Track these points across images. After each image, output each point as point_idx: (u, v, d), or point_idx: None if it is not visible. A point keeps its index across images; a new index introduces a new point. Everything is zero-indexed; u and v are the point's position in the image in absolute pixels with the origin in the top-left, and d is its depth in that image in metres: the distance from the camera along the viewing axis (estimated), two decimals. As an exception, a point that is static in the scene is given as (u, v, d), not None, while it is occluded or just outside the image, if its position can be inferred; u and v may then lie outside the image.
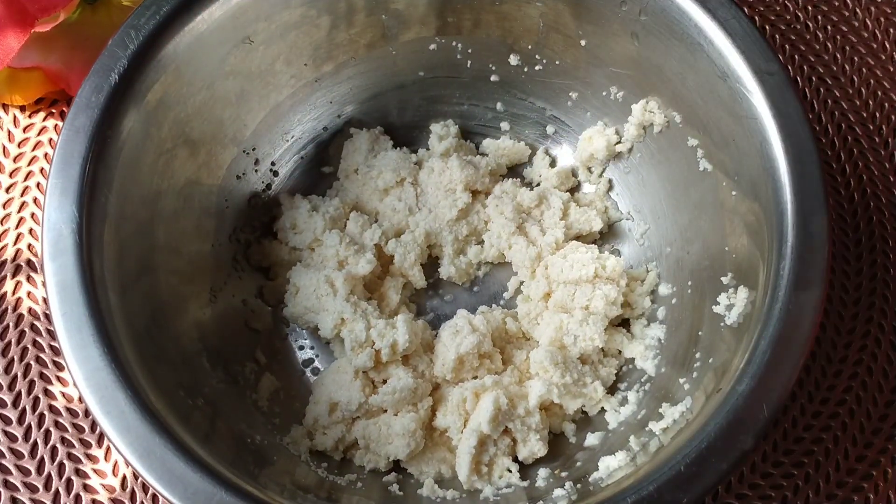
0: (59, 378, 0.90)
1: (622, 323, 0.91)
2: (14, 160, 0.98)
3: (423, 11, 0.89)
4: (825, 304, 0.81)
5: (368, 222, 0.92)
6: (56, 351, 0.90)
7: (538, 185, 0.96)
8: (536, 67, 0.92)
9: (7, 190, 0.97)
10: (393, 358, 0.84)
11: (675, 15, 0.80)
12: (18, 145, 0.99)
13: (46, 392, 0.89)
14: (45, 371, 0.90)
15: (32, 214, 0.96)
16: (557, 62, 0.91)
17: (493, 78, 0.94)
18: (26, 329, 0.91)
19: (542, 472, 0.81)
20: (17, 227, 0.95)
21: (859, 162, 0.98)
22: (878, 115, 1.00)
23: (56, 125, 0.99)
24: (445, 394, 0.86)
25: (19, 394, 0.89)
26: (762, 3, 1.05)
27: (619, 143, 0.93)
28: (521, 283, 0.92)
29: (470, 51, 0.92)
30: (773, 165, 0.75)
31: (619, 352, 0.89)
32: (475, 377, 0.86)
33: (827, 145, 0.99)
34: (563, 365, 0.84)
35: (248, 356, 0.89)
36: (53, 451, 0.87)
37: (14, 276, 0.93)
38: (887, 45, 1.03)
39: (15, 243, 0.95)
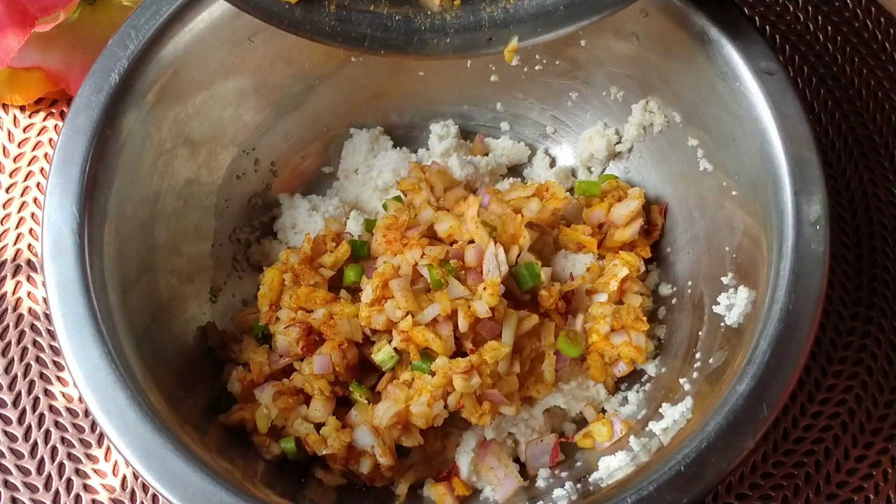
0: (59, 378, 0.90)
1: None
2: (14, 160, 0.98)
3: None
4: (825, 304, 0.81)
5: (368, 222, 0.93)
6: (56, 351, 0.90)
7: (538, 185, 0.96)
8: (536, 67, 0.92)
9: (7, 190, 0.97)
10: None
11: (675, 15, 0.80)
12: (18, 145, 0.99)
13: (46, 392, 0.89)
14: (45, 371, 0.90)
15: (32, 214, 0.96)
16: (557, 62, 0.91)
17: (493, 78, 0.94)
18: (26, 329, 0.91)
19: (543, 472, 0.81)
20: (17, 227, 0.95)
21: (859, 162, 0.98)
22: (878, 116, 1.00)
23: (56, 125, 0.99)
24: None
25: (19, 394, 0.89)
26: (762, 4, 1.05)
27: (619, 143, 0.93)
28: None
29: (470, 51, 0.92)
30: (773, 165, 0.75)
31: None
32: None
33: (827, 146, 0.99)
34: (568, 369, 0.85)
35: (248, 356, 0.89)
36: (53, 451, 0.87)
37: (14, 276, 0.93)
38: (887, 46, 1.03)
39: (15, 243, 0.95)
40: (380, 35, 0.75)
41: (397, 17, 0.75)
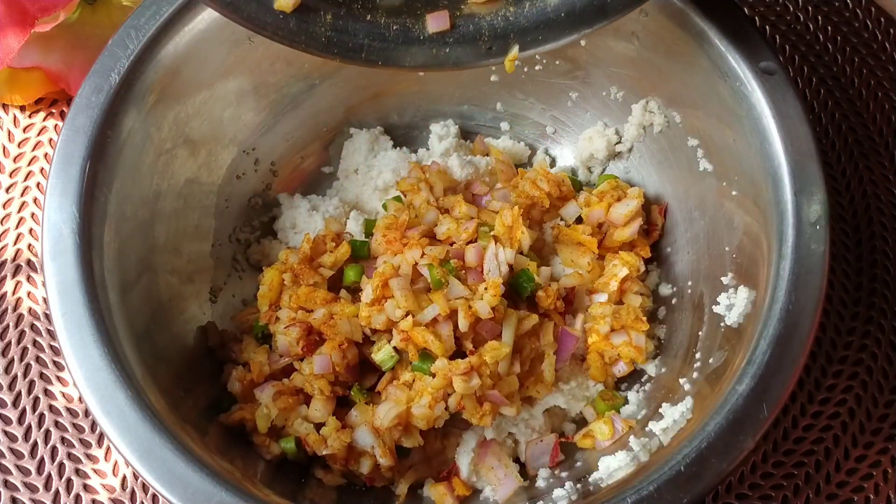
0: (59, 378, 0.90)
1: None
2: (14, 160, 0.98)
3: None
4: (825, 304, 0.81)
5: (368, 222, 0.93)
6: (56, 351, 0.90)
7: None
8: (536, 67, 0.92)
9: (7, 190, 0.97)
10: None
11: (675, 15, 0.80)
12: (18, 145, 0.99)
13: (46, 392, 0.89)
14: (45, 371, 0.90)
15: (32, 214, 0.96)
16: (557, 62, 0.91)
17: (493, 78, 0.94)
18: (26, 329, 0.91)
19: (543, 472, 0.81)
20: (17, 227, 0.95)
21: (859, 162, 0.98)
22: (878, 116, 1.00)
23: (56, 125, 0.99)
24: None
25: (19, 394, 0.89)
26: (762, 4, 1.05)
27: (619, 143, 0.93)
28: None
29: (470, 51, 0.92)
30: (773, 165, 0.75)
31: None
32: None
33: (827, 146, 0.99)
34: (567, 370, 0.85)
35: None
36: (53, 451, 0.87)
37: (14, 276, 0.93)
38: (887, 46, 1.03)
39: (15, 243, 0.95)
40: (377, 45, 0.73)
41: (395, 27, 0.74)
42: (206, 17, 0.81)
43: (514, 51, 0.74)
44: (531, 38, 0.74)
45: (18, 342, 0.91)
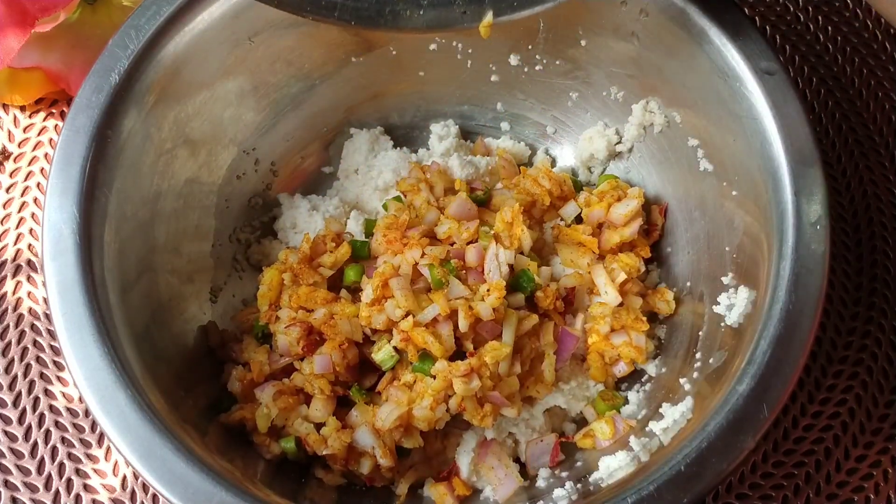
0: (59, 378, 0.90)
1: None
2: (14, 160, 0.98)
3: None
4: (825, 304, 0.81)
5: (369, 222, 0.92)
6: (56, 351, 0.90)
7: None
8: (536, 67, 0.92)
9: (7, 190, 0.97)
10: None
11: (675, 15, 0.80)
12: (18, 145, 0.99)
13: (46, 392, 0.89)
14: (45, 371, 0.90)
15: (32, 214, 0.96)
16: (557, 62, 0.91)
17: (493, 78, 0.94)
18: (26, 329, 0.91)
19: (543, 472, 0.81)
20: (17, 227, 0.95)
21: (859, 162, 0.98)
22: (878, 116, 1.00)
23: (56, 125, 0.99)
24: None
25: (19, 394, 0.89)
26: (763, 4, 1.05)
27: (619, 143, 0.93)
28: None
29: (470, 51, 0.92)
30: (773, 165, 0.75)
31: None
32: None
33: (827, 146, 0.99)
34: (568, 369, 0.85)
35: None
36: (54, 451, 0.87)
37: (14, 276, 0.93)
38: (888, 46, 1.03)
39: (15, 243, 0.95)
40: (350, 4, 0.72)
41: None
42: (206, 17, 0.81)
43: (489, 16, 0.73)
44: (506, 4, 0.74)
45: (18, 342, 0.91)
